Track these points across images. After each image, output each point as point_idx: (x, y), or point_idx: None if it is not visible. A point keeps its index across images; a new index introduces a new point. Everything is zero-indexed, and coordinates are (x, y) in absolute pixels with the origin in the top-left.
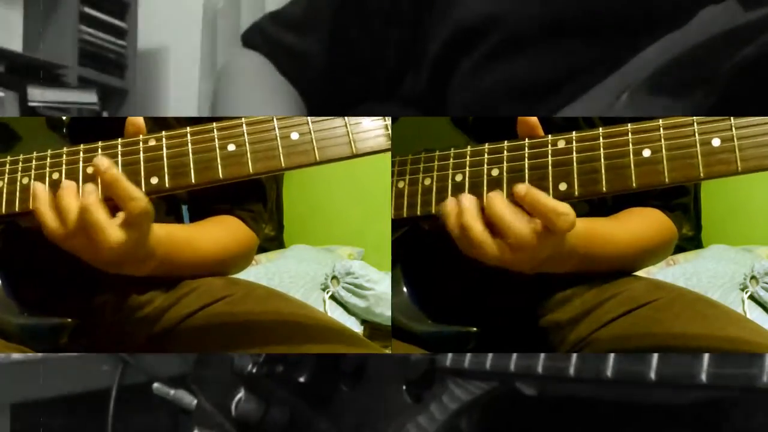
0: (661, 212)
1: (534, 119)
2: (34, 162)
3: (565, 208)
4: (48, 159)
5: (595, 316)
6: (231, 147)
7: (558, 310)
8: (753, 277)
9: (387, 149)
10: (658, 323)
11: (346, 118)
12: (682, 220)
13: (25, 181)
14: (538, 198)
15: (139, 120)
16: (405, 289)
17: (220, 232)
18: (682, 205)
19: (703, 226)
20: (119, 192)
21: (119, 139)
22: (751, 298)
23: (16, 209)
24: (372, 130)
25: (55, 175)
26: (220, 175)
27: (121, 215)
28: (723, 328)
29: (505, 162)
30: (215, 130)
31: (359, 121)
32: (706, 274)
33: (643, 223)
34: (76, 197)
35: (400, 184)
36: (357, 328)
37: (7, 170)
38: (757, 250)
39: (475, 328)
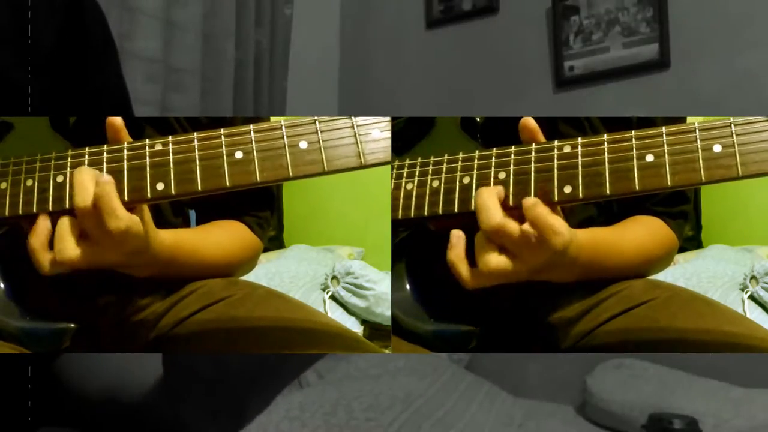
0: (663, 222)
1: (533, 124)
2: (38, 164)
3: (561, 228)
4: (52, 161)
5: (594, 314)
6: (238, 154)
7: (563, 308)
8: (753, 277)
9: (390, 162)
10: (655, 321)
11: (355, 127)
12: (682, 229)
13: (29, 183)
14: (541, 212)
15: (118, 120)
16: (408, 287)
17: (225, 238)
18: (683, 212)
19: (703, 226)
20: (103, 206)
21: (125, 143)
22: (751, 298)
23: (20, 212)
24: (381, 141)
25: (59, 178)
26: (227, 183)
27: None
28: (720, 325)
29: (512, 165)
30: (222, 136)
31: (368, 131)
32: (706, 274)
33: (646, 234)
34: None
35: (409, 186)
36: (357, 328)
37: (10, 172)
38: (757, 250)
39: (476, 327)
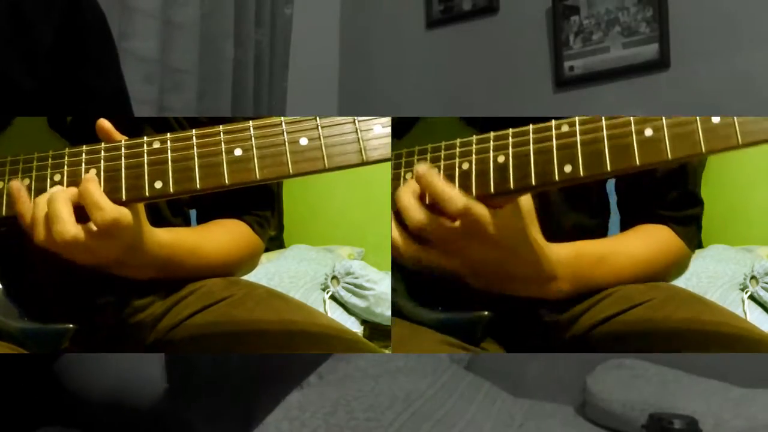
0: (671, 231)
1: None
2: (35, 163)
3: (455, 195)
4: (50, 160)
5: (591, 313)
6: (237, 152)
7: (560, 310)
8: (753, 277)
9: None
10: (652, 323)
11: (357, 123)
12: (694, 235)
13: (26, 182)
14: (432, 180)
15: (107, 123)
16: (415, 278)
17: (226, 237)
18: (693, 217)
19: (703, 226)
20: (87, 200)
21: (122, 141)
22: (751, 298)
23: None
24: (382, 137)
25: (57, 177)
26: (226, 181)
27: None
28: (718, 322)
29: (510, 148)
30: (222, 133)
31: (370, 127)
32: (706, 274)
33: (643, 245)
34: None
35: (408, 176)
36: (357, 328)
37: (7, 170)
38: (757, 250)
39: (486, 312)
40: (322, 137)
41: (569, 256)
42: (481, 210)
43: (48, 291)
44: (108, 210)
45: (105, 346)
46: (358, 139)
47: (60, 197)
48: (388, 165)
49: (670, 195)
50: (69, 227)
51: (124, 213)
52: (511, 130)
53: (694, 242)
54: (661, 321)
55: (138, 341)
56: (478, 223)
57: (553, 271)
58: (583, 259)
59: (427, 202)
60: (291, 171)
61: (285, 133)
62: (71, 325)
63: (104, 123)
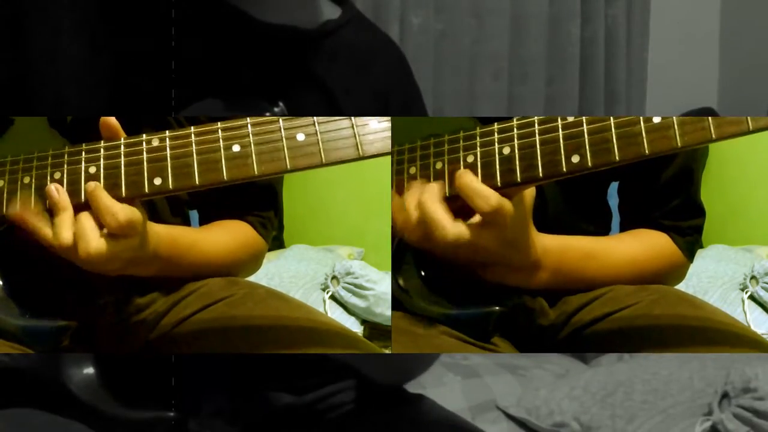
0: (668, 238)
1: None
2: (35, 161)
3: (488, 192)
4: (49, 159)
5: (582, 314)
6: (236, 148)
7: (551, 309)
8: (753, 277)
9: (390, 153)
10: (638, 327)
11: (353, 119)
12: (694, 246)
13: (26, 180)
14: (467, 180)
15: (112, 120)
16: (423, 273)
17: (227, 237)
18: (695, 227)
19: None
20: (97, 205)
21: (122, 139)
22: (751, 298)
23: (17, 209)
24: (379, 132)
25: (57, 175)
26: (225, 177)
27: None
28: (703, 318)
29: (516, 140)
30: (220, 130)
31: (366, 122)
32: (706, 274)
33: (639, 247)
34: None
35: (412, 170)
36: (357, 328)
37: (7, 170)
38: (757, 250)
39: (497, 308)
40: (318, 133)
41: (555, 247)
42: (508, 206)
43: (48, 289)
44: (119, 209)
45: (105, 346)
46: (355, 134)
47: (85, 216)
48: (388, 165)
49: (672, 202)
50: (92, 243)
51: (134, 211)
52: (515, 120)
53: (694, 252)
54: (647, 322)
55: (138, 340)
56: (502, 219)
57: (538, 260)
58: (570, 253)
59: (447, 194)
60: (288, 166)
61: (282, 129)
62: (71, 322)
63: (109, 120)
